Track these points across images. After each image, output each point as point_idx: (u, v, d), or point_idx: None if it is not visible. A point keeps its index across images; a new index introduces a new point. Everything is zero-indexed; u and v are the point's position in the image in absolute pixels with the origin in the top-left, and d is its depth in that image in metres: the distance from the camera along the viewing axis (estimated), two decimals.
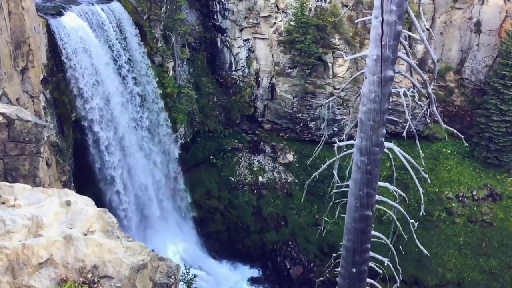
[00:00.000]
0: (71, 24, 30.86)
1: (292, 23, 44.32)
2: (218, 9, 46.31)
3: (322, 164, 16.42)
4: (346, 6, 44.04)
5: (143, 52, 38.54)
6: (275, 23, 45.76)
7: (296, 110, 48.29)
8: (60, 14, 30.85)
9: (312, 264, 43.80)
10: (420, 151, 15.69)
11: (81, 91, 32.31)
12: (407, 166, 14.11)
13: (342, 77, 45.72)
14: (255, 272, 44.34)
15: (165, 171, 42.72)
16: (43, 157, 17.69)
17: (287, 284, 43.41)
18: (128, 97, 37.61)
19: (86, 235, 9.49)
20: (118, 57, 36.00)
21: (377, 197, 14.31)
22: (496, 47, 45.24)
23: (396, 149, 13.95)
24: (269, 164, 48.53)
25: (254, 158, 48.76)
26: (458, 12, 45.62)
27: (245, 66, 48.07)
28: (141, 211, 39.68)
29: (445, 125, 13.79)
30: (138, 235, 37.84)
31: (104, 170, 35.24)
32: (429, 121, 13.90)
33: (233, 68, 48.26)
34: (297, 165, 48.32)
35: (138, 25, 37.70)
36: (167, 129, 42.23)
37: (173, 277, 9.72)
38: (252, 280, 43.67)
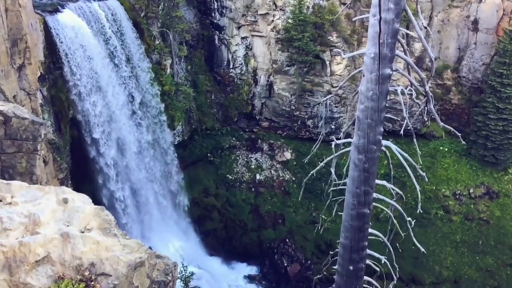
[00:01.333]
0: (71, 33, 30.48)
1: (290, 20, 44.28)
2: (215, 6, 46.23)
3: (319, 162, 16.46)
4: (344, 4, 44.03)
5: (156, 94, 38.77)
6: (273, 20, 45.71)
7: (293, 108, 48.30)
8: (57, 11, 30.66)
9: (309, 262, 43.85)
10: (418, 149, 15.75)
11: (96, 141, 32.74)
12: (405, 164, 14.13)
13: (339, 75, 45.73)
14: (252, 270, 44.37)
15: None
16: (40, 155, 17.66)
17: (284, 281, 43.45)
18: (143, 145, 37.76)
19: (83, 232, 9.48)
20: (132, 101, 36.18)
21: (375, 195, 14.33)
22: (493, 45, 45.31)
23: (394, 147, 13.97)
24: (266, 162, 48.54)
25: (252, 156, 48.76)
26: (456, 10, 45.67)
27: (243, 63, 48.03)
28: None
29: (442, 123, 13.80)
30: (136, 233, 37.95)
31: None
32: (426, 119, 13.92)
33: (231, 66, 48.21)
34: (294, 163, 48.35)
35: (135, 23, 37.57)
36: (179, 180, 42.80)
37: (170, 274, 9.72)
38: (250, 278, 43.70)
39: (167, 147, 41.23)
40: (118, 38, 34.48)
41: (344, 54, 14.89)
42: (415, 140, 15.34)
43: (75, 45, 30.17)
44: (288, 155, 48.99)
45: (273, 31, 45.93)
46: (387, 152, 14.18)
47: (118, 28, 34.68)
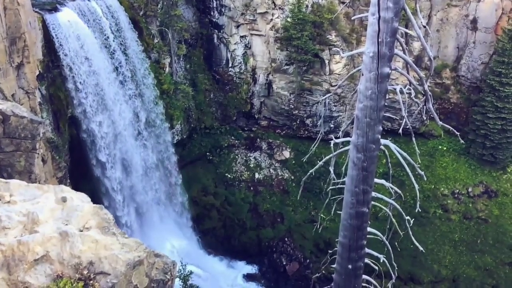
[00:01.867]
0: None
1: (289, 19, 44.25)
2: (214, 5, 46.18)
3: (318, 161, 16.47)
4: (343, 3, 44.00)
5: (161, 113, 38.63)
6: (271, 19, 45.68)
7: (292, 107, 48.29)
8: (56, 9, 30.53)
9: (308, 261, 43.89)
10: (416, 148, 15.76)
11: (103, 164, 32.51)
12: (403, 163, 14.15)
13: (338, 74, 45.73)
14: (251, 269, 44.37)
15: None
16: (38, 154, 17.64)
17: (283, 280, 43.49)
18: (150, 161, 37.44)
19: (82, 231, 9.47)
20: (138, 121, 35.96)
21: (373, 194, 14.35)
22: (492, 45, 45.34)
23: (392, 146, 13.99)
24: (265, 161, 48.55)
25: (251, 155, 48.76)
26: (455, 9, 45.69)
27: (242, 62, 47.99)
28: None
29: (441, 122, 13.82)
30: (135, 231, 37.95)
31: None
32: (425, 118, 13.95)
33: (230, 65, 48.18)
34: (293, 162, 48.37)
35: (134, 21, 37.44)
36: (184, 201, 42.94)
37: (169, 273, 9.71)
38: (248, 277, 43.70)
39: (171, 167, 41.22)
40: (121, 51, 34.23)
41: (343, 53, 14.91)
42: (414, 139, 15.35)
43: (80, 58, 30.07)
44: (287, 154, 49.00)
45: (272, 30, 45.90)
46: (386, 151, 14.20)
47: (122, 42, 34.44)
